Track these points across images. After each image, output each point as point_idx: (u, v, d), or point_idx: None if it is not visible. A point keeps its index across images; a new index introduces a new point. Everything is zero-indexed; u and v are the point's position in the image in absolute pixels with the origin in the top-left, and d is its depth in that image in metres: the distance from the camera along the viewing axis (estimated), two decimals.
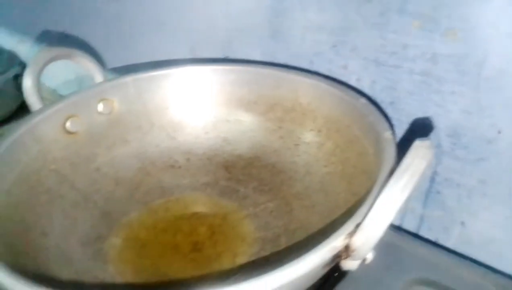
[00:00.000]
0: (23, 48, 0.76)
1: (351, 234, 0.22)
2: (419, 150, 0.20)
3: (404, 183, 0.20)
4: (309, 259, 0.21)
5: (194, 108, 0.46)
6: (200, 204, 0.40)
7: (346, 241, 0.22)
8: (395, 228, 0.42)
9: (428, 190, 0.40)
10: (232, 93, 0.45)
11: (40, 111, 0.38)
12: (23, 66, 0.76)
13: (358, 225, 0.22)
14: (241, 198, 0.40)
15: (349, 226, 0.22)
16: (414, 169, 0.20)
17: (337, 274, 0.35)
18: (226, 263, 0.34)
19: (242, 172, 0.43)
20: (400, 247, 0.38)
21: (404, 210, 0.43)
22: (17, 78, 0.73)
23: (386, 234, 0.39)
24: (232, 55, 0.50)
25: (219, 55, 0.51)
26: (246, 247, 0.35)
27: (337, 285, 0.35)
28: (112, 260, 0.34)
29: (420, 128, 0.39)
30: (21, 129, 0.35)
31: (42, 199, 0.35)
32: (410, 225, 0.43)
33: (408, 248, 0.38)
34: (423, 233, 0.42)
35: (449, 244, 0.41)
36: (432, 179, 0.40)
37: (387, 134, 0.29)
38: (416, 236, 0.42)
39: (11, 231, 0.30)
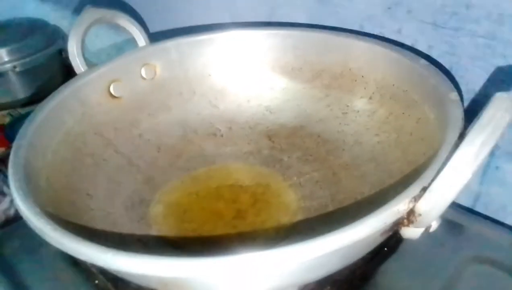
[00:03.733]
0: (66, 22, 0.78)
1: (417, 198, 0.20)
2: (502, 102, 0.18)
3: (484, 139, 0.18)
4: (370, 223, 0.19)
5: (236, 75, 0.44)
6: (243, 173, 0.39)
7: (410, 205, 0.20)
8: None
9: (487, 165, 0.38)
10: (276, 59, 0.43)
11: (84, 74, 0.38)
12: (66, 40, 0.77)
13: (425, 189, 0.20)
14: (284, 167, 0.39)
15: (414, 189, 0.20)
16: (497, 123, 0.18)
17: (386, 249, 0.34)
18: (270, 231, 0.33)
19: (286, 141, 0.41)
20: (455, 223, 0.36)
21: None
22: (61, 52, 0.75)
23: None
24: (276, 21, 0.48)
25: (263, 20, 0.49)
26: (291, 216, 0.34)
27: (387, 260, 0.33)
28: (155, 224, 0.34)
29: (482, 97, 0.36)
30: (66, 91, 0.35)
31: (87, 161, 0.35)
32: (464, 202, 0.40)
33: (463, 225, 0.36)
34: (478, 210, 0.40)
35: (506, 222, 0.38)
36: (492, 153, 0.37)
37: (453, 95, 0.27)
38: (471, 212, 0.40)
39: (57, 190, 0.30)
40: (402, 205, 0.20)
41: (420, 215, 0.20)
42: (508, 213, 0.38)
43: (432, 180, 0.20)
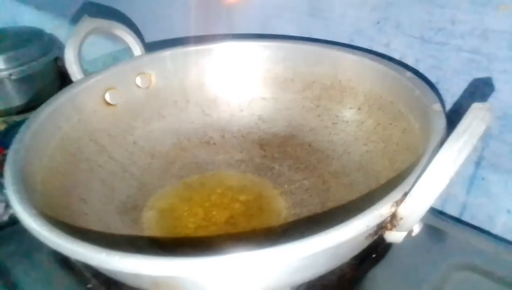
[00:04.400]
0: (62, 31, 0.79)
1: (399, 202, 0.21)
2: (479, 112, 0.19)
3: (461, 145, 0.19)
4: (354, 225, 0.20)
5: (229, 85, 0.45)
6: (235, 181, 0.40)
7: (392, 209, 0.21)
8: (437, 212, 0.41)
9: (473, 176, 0.39)
10: (268, 70, 0.44)
11: (80, 81, 0.39)
12: (62, 49, 0.78)
13: (406, 194, 0.21)
14: (275, 175, 0.40)
15: (396, 194, 0.21)
16: (473, 131, 0.19)
17: (375, 255, 0.34)
18: (260, 236, 0.33)
19: (277, 150, 0.42)
20: (441, 231, 0.37)
21: (446, 196, 0.41)
22: (57, 60, 0.76)
23: (426, 217, 0.38)
24: (269, 33, 0.49)
25: (256, 32, 0.50)
26: (281, 222, 0.34)
27: (375, 266, 0.34)
28: (148, 229, 0.34)
29: (467, 109, 0.37)
30: (62, 98, 0.36)
31: (81, 167, 0.35)
32: (451, 212, 0.41)
33: (449, 233, 0.37)
34: (466, 220, 0.40)
35: (493, 232, 0.39)
36: (478, 164, 0.38)
37: (436, 106, 0.28)
38: (458, 222, 0.40)
39: (52, 194, 0.31)
40: (385, 209, 0.20)
41: (401, 219, 0.21)
42: (494, 223, 0.39)
43: (413, 186, 0.21)
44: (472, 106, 0.20)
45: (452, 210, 0.41)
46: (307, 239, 0.19)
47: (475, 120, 0.19)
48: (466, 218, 0.40)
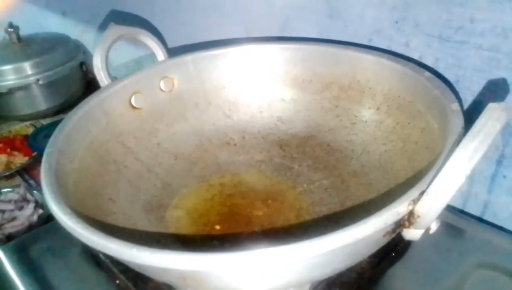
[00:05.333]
0: (87, 37, 0.81)
1: (416, 201, 0.21)
2: (494, 112, 0.19)
3: (476, 145, 0.19)
4: (371, 222, 0.20)
5: (249, 87, 0.46)
6: (255, 180, 0.41)
7: (410, 207, 0.21)
8: (458, 211, 0.41)
9: (494, 174, 0.38)
10: (287, 71, 0.45)
11: (108, 86, 0.40)
12: (87, 54, 0.81)
13: (422, 192, 0.21)
14: (295, 175, 0.41)
15: (413, 192, 0.22)
16: (487, 131, 0.19)
17: (394, 254, 0.35)
18: (281, 234, 0.34)
19: (297, 150, 0.43)
20: (462, 230, 0.37)
21: (467, 195, 0.41)
22: (82, 65, 0.78)
23: (447, 216, 0.38)
24: (288, 36, 0.50)
25: (274, 36, 0.51)
26: (301, 221, 0.35)
27: (394, 265, 0.34)
28: (173, 226, 0.36)
29: None
30: (91, 102, 0.38)
31: (109, 168, 0.37)
32: (473, 211, 0.41)
33: (470, 231, 0.37)
34: (487, 219, 0.40)
35: None
36: (499, 162, 0.38)
37: (454, 106, 0.28)
38: (480, 221, 0.40)
39: (83, 194, 0.32)
40: (402, 207, 0.21)
41: (419, 216, 0.21)
42: None
43: (429, 184, 0.21)
44: (488, 106, 0.20)
45: (473, 209, 0.41)
46: (325, 236, 0.20)
47: (490, 120, 0.20)
48: (487, 216, 0.40)
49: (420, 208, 0.21)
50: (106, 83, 0.41)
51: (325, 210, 0.36)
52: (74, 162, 0.33)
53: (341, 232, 0.20)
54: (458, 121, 0.27)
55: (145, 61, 0.65)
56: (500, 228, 0.39)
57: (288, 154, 0.43)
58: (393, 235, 0.24)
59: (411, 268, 0.34)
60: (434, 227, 0.22)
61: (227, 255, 0.20)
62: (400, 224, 0.22)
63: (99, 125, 0.38)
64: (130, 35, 0.43)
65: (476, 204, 0.40)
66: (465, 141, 0.20)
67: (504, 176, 0.38)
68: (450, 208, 0.40)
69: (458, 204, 0.41)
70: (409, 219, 0.22)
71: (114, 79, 0.42)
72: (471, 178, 0.40)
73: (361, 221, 0.20)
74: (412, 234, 0.22)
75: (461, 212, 0.41)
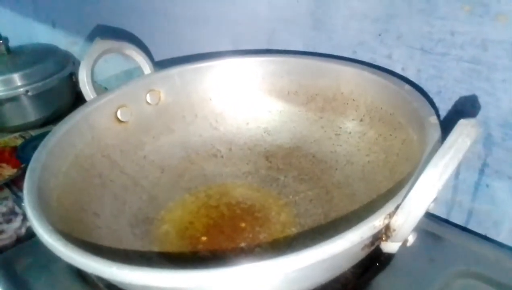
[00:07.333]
0: (76, 48, 0.81)
1: (391, 214, 0.22)
2: (464, 128, 0.20)
3: (447, 161, 0.20)
4: (348, 237, 0.21)
5: (235, 99, 0.47)
6: (241, 192, 0.41)
7: (386, 221, 0.22)
8: (442, 221, 0.41)
9: (477, 183, 0.39)
10: (273, 84, 0.45)
11: (94, 100, 0.40)
12: (77, 64, 0.81)
13: (398, 206, 0.22)
14: (281, 186, 0.41)
15: (389, 207, 0.22)
16: (458, 147, 0.20)
17: (378, 264, 0.35)
18: (265, 247, 0.34)
19: (282, 162, 0.43)
20: (445, 240, 0.37)
21: (451, 204, 0.41)
22: (72, 76, 0.78)
23: (432, 226, 0.38)
24: (274, 48, 0.50)
25: (261, 48, 0.51)
26: (286, 232, 0.35)
27: (378, 274, 0.35)
28: (158, 240, 0.36)
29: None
30: (77, 117, 0.38)
31: (94, 182, 0.37)
32: (457, 220, 0.41)
33: (453, 241, 0.37)
34: (472, 227, 0.41)
35: (499, 239, 0.39)
36: (482, 172, 0.38)
37: (432, 118, 0.29)
38: (464, 229, 0.41)
39: (67, 210, 0.32)
40: (378, 221, 0.21)
41: (394, 230, 0.21)
42: (500, 230, 0.39)
43: (403, 199, 0.22)
44: (458, 122, 0.21)
45: (457, 218, 0.41)
46: (303, 251, 0.20)
47: (461, 136, 0.20)
48: (472, 226, 0.41)
49: (395, 222, 0.21)
50: (92, 97, 0.41)
51: (309, 222, 0.36)
52: (58, 177, 0.33)
53: (318, 247, 0.20)
54: (435, 134, 0.28)
55: (136, 72, 0.66)
56: (485, 237, 0.40)
57: (274, 165, 0.43)
58: (372, 248, 0.24)
59: (395, 278, 0.34)
60: (411, 239, 0.23)
61: (206, 273, 0.20)
62: (377, 237, 0.23)
63: (85, 139, 0.38)
64: (116, 49, 0.43)
65: (460, 213, 0.41)
66: (436, 158, 0.20)
67: (487, 185, 0.38)
68: (434, 218, 0.41)
69: (442, 213, 0.42)
70: (386, 232, 0.22)
71: (104, 90, 0.42)
72: (455, 188, 0.40)
73: (338, 235, 0.21)
74: (389, 247, 0.23)
75: (446, 221, 0.42)
